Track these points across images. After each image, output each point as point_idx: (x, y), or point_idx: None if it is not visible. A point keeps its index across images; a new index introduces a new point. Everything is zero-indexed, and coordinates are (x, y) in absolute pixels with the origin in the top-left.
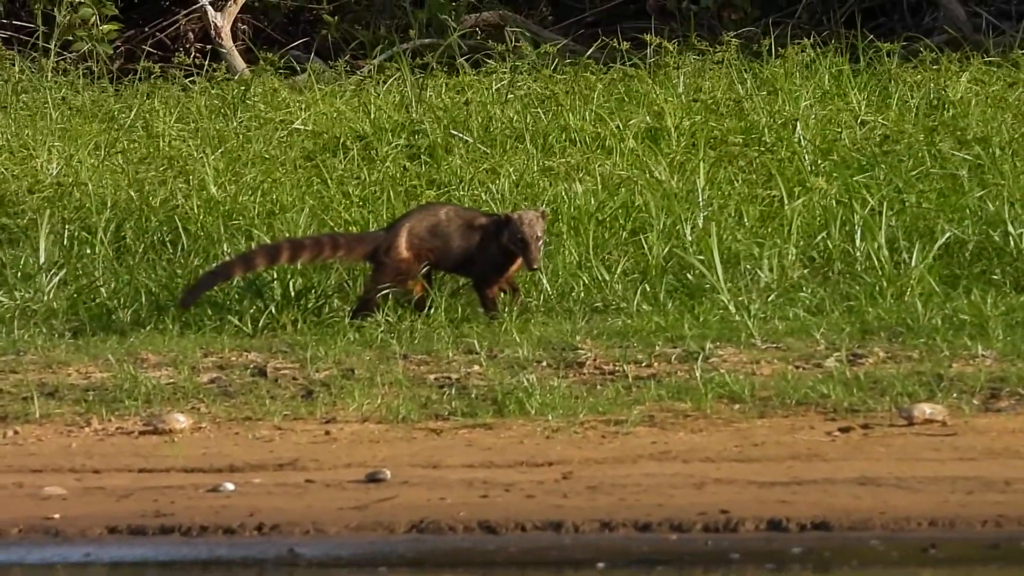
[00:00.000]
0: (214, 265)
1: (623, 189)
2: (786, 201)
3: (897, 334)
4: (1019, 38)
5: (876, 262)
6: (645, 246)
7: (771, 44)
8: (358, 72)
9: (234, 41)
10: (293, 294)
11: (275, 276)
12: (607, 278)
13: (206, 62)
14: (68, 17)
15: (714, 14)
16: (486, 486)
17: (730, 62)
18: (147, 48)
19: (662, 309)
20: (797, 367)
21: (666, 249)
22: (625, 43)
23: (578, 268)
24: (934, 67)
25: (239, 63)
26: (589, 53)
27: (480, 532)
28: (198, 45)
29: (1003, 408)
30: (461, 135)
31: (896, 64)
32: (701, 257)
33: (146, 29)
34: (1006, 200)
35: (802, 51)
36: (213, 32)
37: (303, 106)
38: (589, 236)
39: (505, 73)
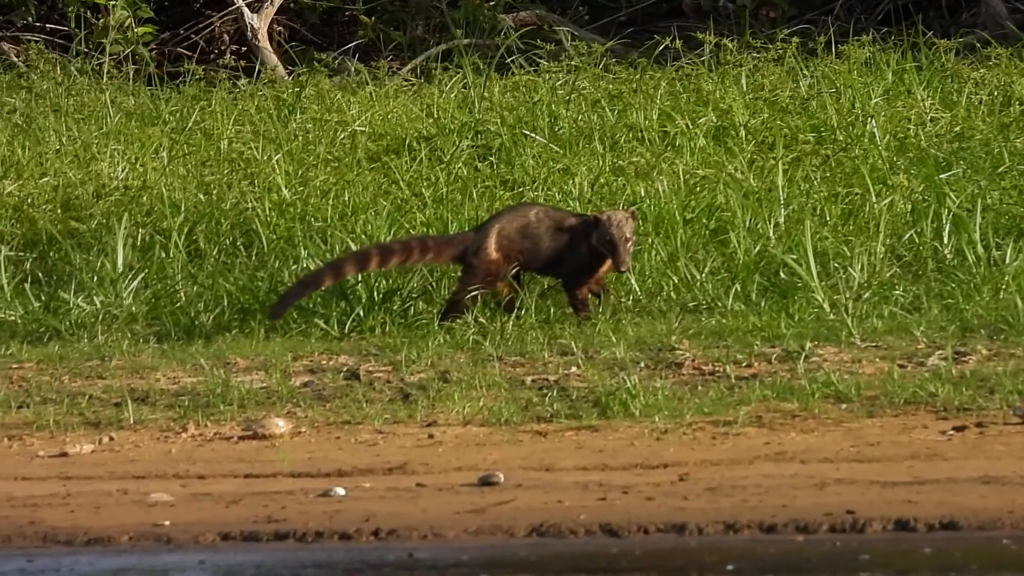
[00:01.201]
0: (303, 275)
1: (701, 188)
2: (872, 199)
3: (998, 331)
4: None
5: (970, 259)
6: (735, 244)
7: (831, 40)
8: (397, 74)
9: (269, 42)
10: (379, 297)
11: (360, 279)
12: (697, 277)
13: (241, 64)
14: (103, 20)
15: (752, 12)
16: (603, 488)
17: (791, 59)
18: (179, 50)
19: (756, 308)
20: (900, 366)
21: (756, 248)
22: (678, 41)
23: (667, 268)
24: (989, 63)
25: (276, 64)
26: (640, 52)
27: (602, 535)
28: (233, 47)
29: None
30: (533, 135)
31: (955, 61)
32: (794, 256)
33: (181, 31)
34: None
35: (861, 47)
36: (250, 34)
37: (359, 107)
38: (676, 236)
39: (558, 72)
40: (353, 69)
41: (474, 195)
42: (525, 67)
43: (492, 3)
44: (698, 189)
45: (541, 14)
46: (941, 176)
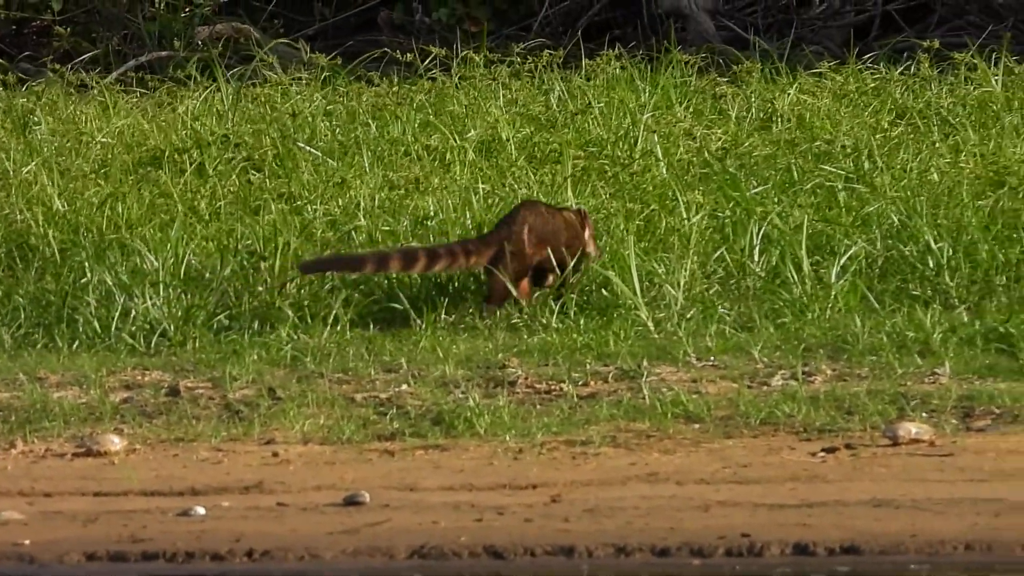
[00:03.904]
0: (348, 253)
1: (492, 203)
2: (681, 214)
3: (839, 351)
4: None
5: (794, 277)
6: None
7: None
8: (96, 85)
9: None
10: (182, 312)
11: (161, 295)
12: (513, 293)
13: None
14: None
15: (451, 26)
16: (476, 509)
17: (539, 73)
18: None
19: (578, 326)
20: (744, 386)
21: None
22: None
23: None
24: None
25: None
26: (354, 64)
27: (487, 557)
28: None
29: (985, 428)
30: (308, 148)
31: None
32: (610, 273)
33: None
34: (921, 214)
35: (608, 63)
36: None
37: (96, 119)
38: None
39: (289, 84)
40: (59, 77)
41: (251, 208)
42: (257, 79)
43: (187, 15)
44: (488, 203)
45: (238, 26)
46: (750, 193)
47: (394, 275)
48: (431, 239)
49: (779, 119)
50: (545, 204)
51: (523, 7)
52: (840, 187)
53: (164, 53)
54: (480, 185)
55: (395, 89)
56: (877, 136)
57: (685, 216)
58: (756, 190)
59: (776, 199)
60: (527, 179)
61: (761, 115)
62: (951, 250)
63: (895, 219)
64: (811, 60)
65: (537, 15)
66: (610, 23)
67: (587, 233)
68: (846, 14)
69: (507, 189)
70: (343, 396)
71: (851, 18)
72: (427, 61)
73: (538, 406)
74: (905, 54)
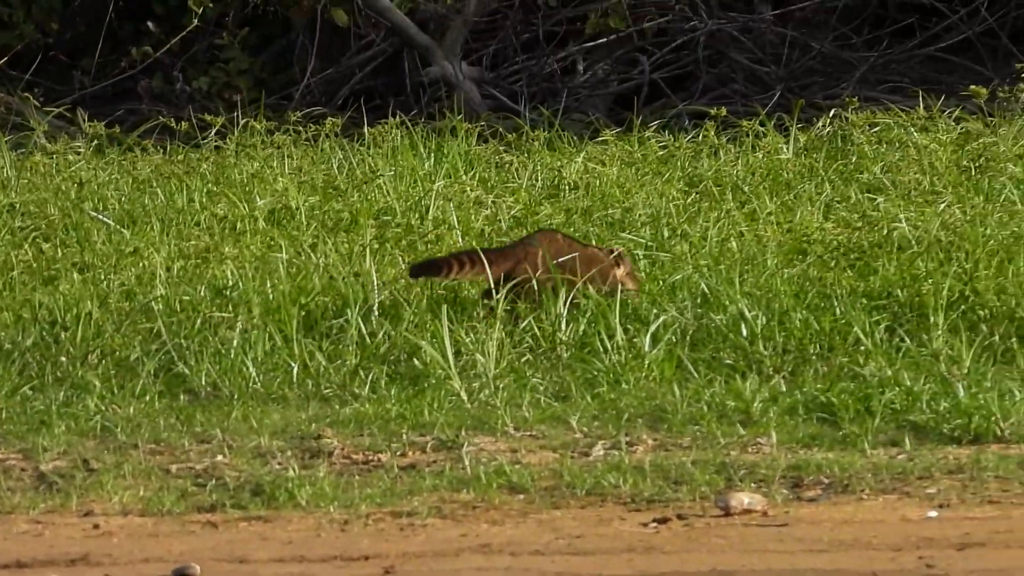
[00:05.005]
0: (444, 256)
1: (297, 271)
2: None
3: (658, 421)
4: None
5: (608, 346)
6: (353, 329)
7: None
8: None
9: None
10: None
11: None
12: (322, 363)
13: None
14: None
15: (208, 95)
16: None
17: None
18: None
19: (390, 396)
20: (566, 456)
21: (380, 333)
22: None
23: (286, 353)
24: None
25: None
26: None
27: None
28: None
29: (816, 498)
30: (101, 216)
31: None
32: (422, 342)
33: None
34: (729, 281)
35: (389, 132)
36: None
37: None
38: (291, 320)
39: (74, 153)
40: None
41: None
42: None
43: None
44: (294, 271)
45: (2, 96)
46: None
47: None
48: (230, 309)
49: (567, 187)
50: (563, 234)
51: (284, 76)
52: (641, 255)
53: None
54: (278, 254)
55: (180, 158)
56: (672, 204)
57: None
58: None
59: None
60: (323, 247)
61: (548, 183)
62: (764, 318)
63: (704, 286)
64: (599, 127)
65: (299, 83)
66: (372, 91)
67: (622, 271)
68: (611, 82)
69: (303, 258)
70: (159, 467)
71: (615, 87)
72: (204, 130)
73: (358, 476)
74: (691, 121)
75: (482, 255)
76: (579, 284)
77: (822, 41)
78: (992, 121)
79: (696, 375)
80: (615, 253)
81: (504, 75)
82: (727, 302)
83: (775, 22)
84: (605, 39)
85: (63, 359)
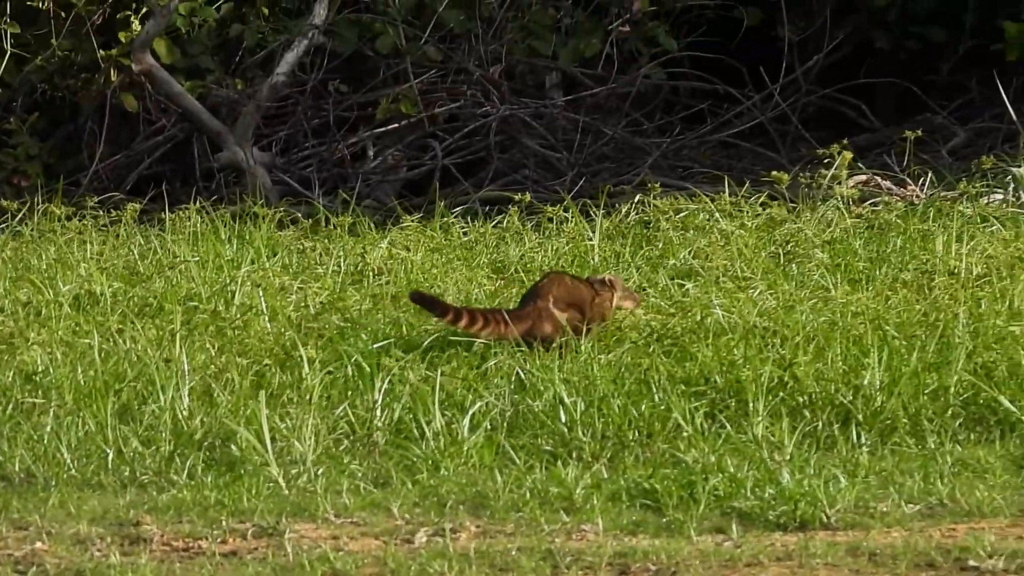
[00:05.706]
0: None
1: (106, 359)
2: (306, 370)
3: (480, 507)
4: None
5: (421, 432)
6: (166, 417)
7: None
8: None
9: None
10: None
11: None
12: (139, 448)
13: None
14: None
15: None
16: None
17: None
18: None
19: (207, 482)
20: (389, 543)
21: (196, 419)
22: None
23: (101, 440)
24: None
25: None
26: None
27: None
28: None
29: None
30: None
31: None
32: (239, 428)
33: None
34: (530, 367)
35: (188, 218)
36: None
37: None
38: (105, 405)
39: None
40: None
41: None
42: None
43: None
44: (103, 357)
45: None
46: (372, 348)
47: None
48: (40, 394)
49: (371, 273)
50: (570, 275)
51: (72, 161)
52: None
53: None
54: (86, 340)
55: None
56: (482, 289)
57: (307, 370)
58: (379, 344)
59: (391, 354)
60: (131, 332)
61: (352, 269)
62: (583, 404)
63: (519, 372)
64: (399, 212)
65: (88, 169)
66: (160, 177)
67: (618, 294)
68: (401, 168)
69: (111, 344)
70: None
71: (405, 172)
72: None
73: (179, 564)
74: (488, 206)
75: (506, 316)
76: (594, 325)
77: (614, 127)
78: (795, 207)
79: (517, 461)
80: (607, 279)
81: (295, 160)
82: (542, 388)
83: (567, 108)
84: (396, 124)
85: None
